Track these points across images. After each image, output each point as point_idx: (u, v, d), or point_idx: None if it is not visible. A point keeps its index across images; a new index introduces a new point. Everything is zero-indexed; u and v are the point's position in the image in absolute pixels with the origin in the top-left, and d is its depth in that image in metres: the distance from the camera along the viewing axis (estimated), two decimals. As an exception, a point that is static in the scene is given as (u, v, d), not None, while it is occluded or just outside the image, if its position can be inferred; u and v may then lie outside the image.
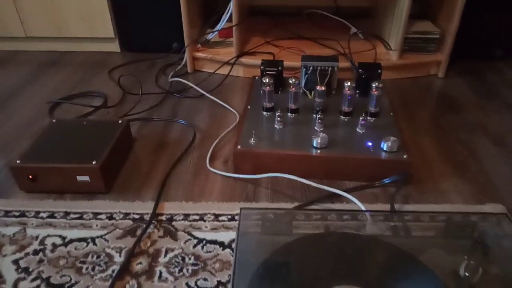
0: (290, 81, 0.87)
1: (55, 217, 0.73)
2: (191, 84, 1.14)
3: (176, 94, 1.13)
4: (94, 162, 0.75)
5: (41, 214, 0.73)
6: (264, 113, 0.91)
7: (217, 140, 0.92)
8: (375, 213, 0.67)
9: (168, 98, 1.11)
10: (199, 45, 1.25)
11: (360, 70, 0.95)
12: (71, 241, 0.68)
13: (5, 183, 0.81)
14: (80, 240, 0.69)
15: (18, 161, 0.76)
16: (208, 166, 0.85)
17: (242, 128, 0.86)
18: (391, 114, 0.90)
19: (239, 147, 0.81)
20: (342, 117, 0.89)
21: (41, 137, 0.83)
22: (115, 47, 1.42)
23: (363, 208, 0.72)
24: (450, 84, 1.18)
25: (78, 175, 0.76)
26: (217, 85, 1.14)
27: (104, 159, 0.76)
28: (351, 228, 0.59)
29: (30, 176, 0.76)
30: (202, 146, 0.92)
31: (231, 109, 1.05)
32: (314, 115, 0.89)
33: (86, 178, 0.76)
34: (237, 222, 0.70)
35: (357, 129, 0.85)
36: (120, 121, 0.88)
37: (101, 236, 0.69)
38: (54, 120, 0.89)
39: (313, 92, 0.96)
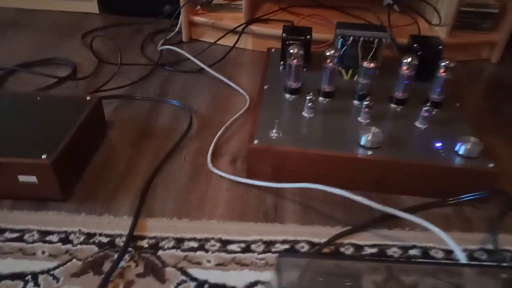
0: (328, 53, 0.63)
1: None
2: (188, 55, 0.89)
3: (167, 67, 0.88)
4: (44, 156, 0.51)
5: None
6: (287, 95, 0.68)
7: (221, 130, 0.69)
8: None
9: (157, 72, 0.87)
10: (198, 7, 1.00)
11: (415, 45, 0.72)
12: None
13: None
14: (13, 277, 0.45)
15: None
16: (210, 165, 0.62)
17: (257, 115, 0.63)
18: (457, 104, 0.68)
19: (255, 142, 0.58)
20: (393, 105, 0.66)
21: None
22: (92, 7, 1.15)
23: (448, 240, 0.50)
24: (508, 71, 0.96)
25: (20, 174, 0.52)
26: (220, 59, 0.89)
27: (60, 152, 0.52)
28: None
29: None
30: (200, 136, 0.68)
31: (238, 89, 0.81)
32: (355, 102, 0.66)
33: (32, 178, 0.52)
34: (257, 257, 0.47)
35: (417, 123, 0.62)
36: (88, 98, 0.64)
37: (47, 271, 0.45)
38: (-6, 93, 0.65)
39: (350, 71, 0.73)
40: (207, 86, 0.82)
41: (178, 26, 1.01)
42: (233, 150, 0.65)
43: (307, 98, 0.62)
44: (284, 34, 0.73)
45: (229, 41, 0.95)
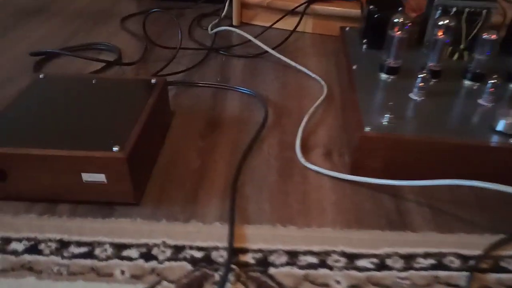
0: (441, 23, 0.53)
1: (38, 251, 0.38)
2: (249, 37, 0.77)
3: (222, 51, 0.78)
4: (115, 149, 0.41)
5: (13, 245, 0.39)
6: (384, 76, 0.57)
7: (305, 119, 0.58)
8: None
9: (211, 57, 0.76)
10: (249, -13, 0.90)
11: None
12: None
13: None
14: (90, 306, 0.35)
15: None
16: (302, 160, 0.51)
17: (356, 99, 0.52)
18: None
19: (367, 129, 0.47)
20: (514, 86, 0.56)
21: (17, 103, 0.48)
22: (125, -8, 1.05)
23: None
24: None
25: (84, 172, 0.41)
26: (281, 42, 0.79)
27: (134, 143, 0.42)
28: None
29: None
30: (280, 127, 0.57)
31: (309, 73, 0.70)
32: (466, 82, 0.56)
33: (99, 177, 0.41)
34: (398, 276, 0.36)
35: (553, 106, 0.52)
36: (153, 81, 0.53)
37: (132, 298, 0.35)
38: (41, 75, 0.54)
39: (449, 48, 0.62)
40: (271, 71, 0.72)
41: (225, 9, 0.91)
42: (323, 141, 0.55)
43: (420, 76, 0.51)
44: (371, 7, 0.62)
45: (284, 24, 0.85)
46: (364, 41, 0.65)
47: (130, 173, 0.41)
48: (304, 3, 0.82)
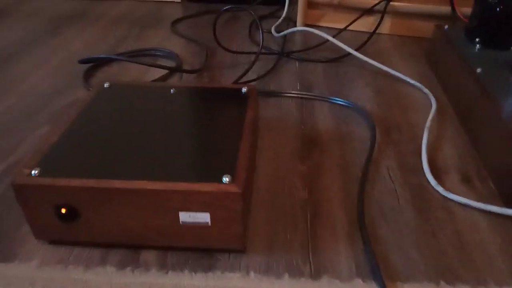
0: None
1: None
2: (328, 37, 0.66)
3: (293, 56, 0.68)
4: (226, 179, 0.30)
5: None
6: (523, 81, 0.46)
7: (426, 135, 0.47)
8: None
9: (282, 63, 0.66)
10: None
11: None
12: None
13: (9, 224, 0.36)
14: None
15: (32, 172, 0.31)
16: (439, 189, 0.40)
17: (499, 109, 0.42)
18: None
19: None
20: None
21: (83, 119, 0.38)
22: (170, -5, 0.97)
23: None
24: None
25: (184, 210, 0.31)
26: (361, 45, 0.68)
27: (246, 172, 0.32)
28: None
29: (63, 210, 0.32)
30: (392, 145, 0.46)
31: (407, 79, 0.59)
32: None
33: (203, 217, 0.31)
34: None
35: None
36: (244, 90, 0.43)
37: None
38: (106, 85, 0.44)
39: None
40: (358, 78, 0.61)
41: (285, 11, 0.82)
42: (454, 163, 0.43)
43: None
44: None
45: (354, 25, 0.75)
46: (477, 39, 0.55)
47: (243, 211, 0.31)
48: (383, 1, 0.72)
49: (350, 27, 0.74)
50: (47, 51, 0.70)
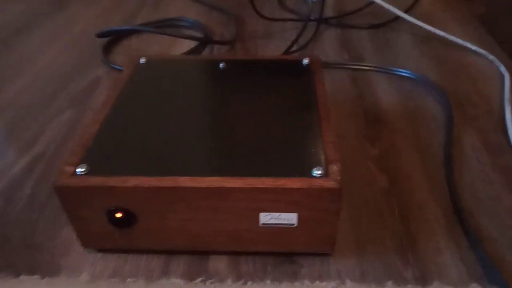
0: None
1: None
2: (381, 2, 0.59)
3: (332, 22, 0.60)
4: (318, 172, 0.25)
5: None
6: None
7: (508, 110, 0.40)
8: None
9: (322, 30, 0.58)
10: None
11: None
12: None
13: (45, 231, 0.31)
14: None
15: (78, 170, 0.25)
16: (535, 170, 0.35)
17: None
18: None
19: None
20: None
21: (123, 102, 0.31)
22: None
23: None
24: None
25: (265, 210, 0.26)
26: (411, 5, 0.61)
27: (340, 164, 0.26)
28: None
29: (118, 214, 0.27)
30: (469, 122, 0.40)
31: (468, 45, 0.52)
32: None
33: (289, 218, 0.26)
34: None
35: None
36: (305, 61, 0.37)
37: None
38: (143, 60, 0.38)
39: None
40: (411, 45, 0.54)
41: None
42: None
43: None
44: None
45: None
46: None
47: (340, 210, 0.25)
48: (430, -44, 0.65)
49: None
50: (56, 25, 0.63)
